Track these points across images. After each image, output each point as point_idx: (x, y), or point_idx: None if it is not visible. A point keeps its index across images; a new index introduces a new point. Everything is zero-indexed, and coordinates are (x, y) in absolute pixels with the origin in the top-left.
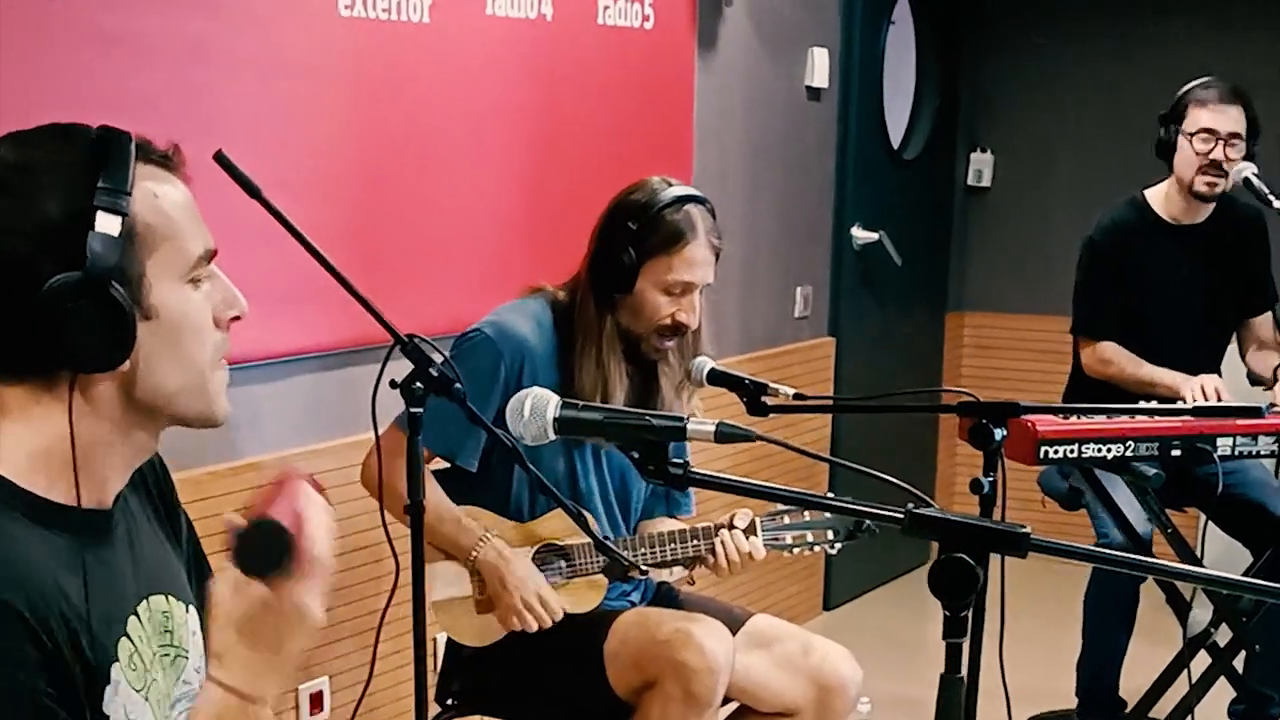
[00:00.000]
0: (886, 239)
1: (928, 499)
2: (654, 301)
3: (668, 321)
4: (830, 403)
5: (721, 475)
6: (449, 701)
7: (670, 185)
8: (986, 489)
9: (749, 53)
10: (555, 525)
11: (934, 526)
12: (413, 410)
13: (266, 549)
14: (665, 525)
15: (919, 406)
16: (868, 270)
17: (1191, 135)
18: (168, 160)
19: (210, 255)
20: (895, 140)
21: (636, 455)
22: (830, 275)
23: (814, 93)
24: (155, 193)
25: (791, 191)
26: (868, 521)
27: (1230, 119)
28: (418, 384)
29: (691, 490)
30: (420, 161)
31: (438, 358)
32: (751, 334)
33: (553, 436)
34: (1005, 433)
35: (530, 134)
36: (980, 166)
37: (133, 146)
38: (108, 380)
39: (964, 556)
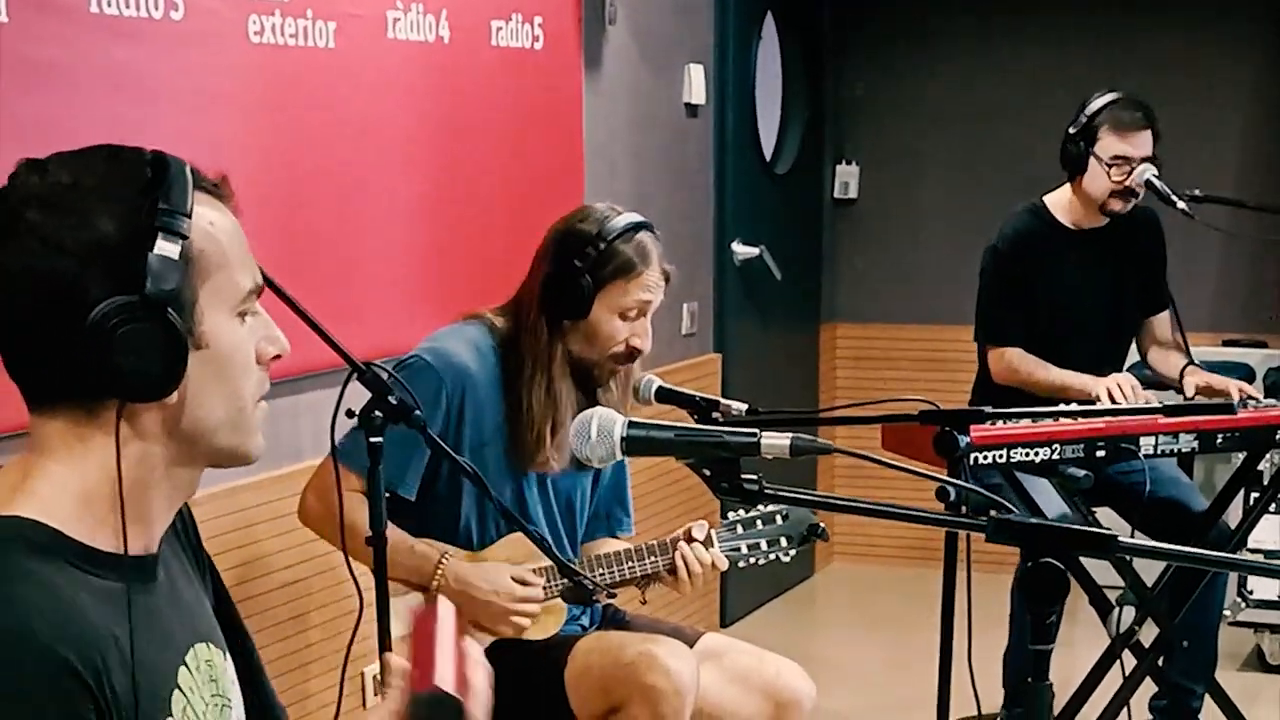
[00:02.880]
0: (767, 253)
1: (1007, 504)
2: (610, 327)
3: (622, 348)
4: (785, 417)
5: (797, 490)
6: None
7: (619, 213)
8: (954, 496)
9: (632, 71)
10: (505, 553)
11: (1019, 532)
12: (372, 440)
13: None
14: (610, 545)
15: (874, 417)
16: (748, 285)
17: (1108, 163)
18: (218, 189)
19: (259, 290)
20: (767, 154)
21: (708, 473)
22: (714, 291)
23: (692, 110)
24: (210, 219)
25: (676, 209)
26: (821, 526)
27: (1144, 144)
28: (377, 413)
29: (632, 508)
30: (330, 186)
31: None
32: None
33: (620, 456)
34: (969, 439)
35: (432, 155)
36: (846, 179)
37: (189, 171)
38: (153, 411)
39: (1053, 561)
